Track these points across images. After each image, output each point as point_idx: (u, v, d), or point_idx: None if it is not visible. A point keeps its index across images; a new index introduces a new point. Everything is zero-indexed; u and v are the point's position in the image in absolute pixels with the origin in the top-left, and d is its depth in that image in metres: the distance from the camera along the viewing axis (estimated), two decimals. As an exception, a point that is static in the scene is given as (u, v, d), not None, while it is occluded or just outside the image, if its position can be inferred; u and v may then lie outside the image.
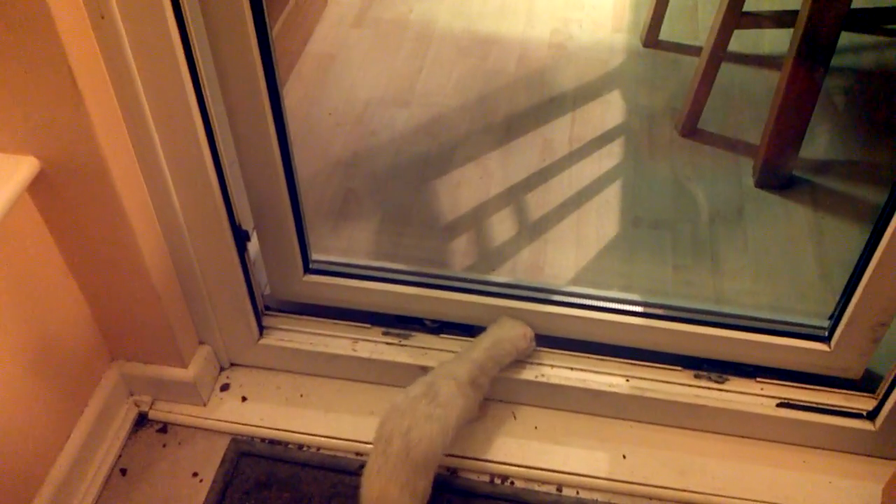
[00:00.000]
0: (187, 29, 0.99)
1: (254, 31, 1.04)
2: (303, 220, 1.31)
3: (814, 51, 1.57)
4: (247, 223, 1.29)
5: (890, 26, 2.09)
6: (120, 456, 1.32)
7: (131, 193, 1.09)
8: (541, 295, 1.36)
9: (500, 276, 1.56)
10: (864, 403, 1.29)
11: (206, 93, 1.07)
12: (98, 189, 1.05)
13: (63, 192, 1.05)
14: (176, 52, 0.99)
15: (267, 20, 1.05)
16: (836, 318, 1.25)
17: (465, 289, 1.36)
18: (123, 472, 1.31)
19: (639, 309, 1.33)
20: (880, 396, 1.27)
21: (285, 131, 1.18)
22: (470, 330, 1.38)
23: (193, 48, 1.02)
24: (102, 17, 0.92)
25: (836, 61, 1.99)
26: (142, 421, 1.37)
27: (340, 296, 1.38)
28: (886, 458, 1.29)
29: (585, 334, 1.35)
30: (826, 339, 1.27)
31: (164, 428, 1.36)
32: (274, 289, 1.40)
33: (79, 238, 1.12)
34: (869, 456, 1.30)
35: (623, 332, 1.33)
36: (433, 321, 1.39)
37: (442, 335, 1.38)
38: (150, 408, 1.37)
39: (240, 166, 1.21)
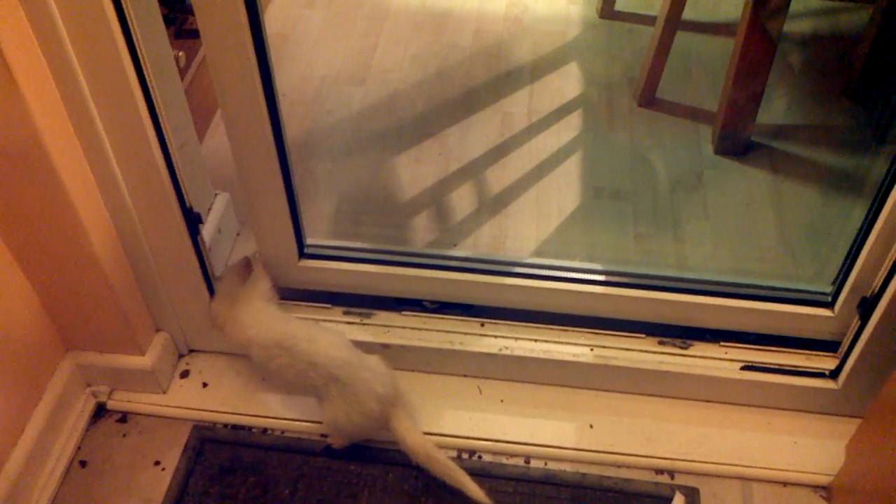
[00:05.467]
0: (123, 4, 0.96)
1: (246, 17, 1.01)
2: (297, 204, 1.28)
3: (766, 15, 1.57)
4: (199, 206, 1.26)
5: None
6: (79, 448, 1.29)
7: (75, 178, 1.05)
8: (503, 268, 1.35)
9: (465, 251, 1.55)
10: (827, 363, 1.30)
11: (148, 70, 1.04)
12: (39, 174, 1.01)
13: (2, 177, 1.02)
14: (112, 30, 0.95)
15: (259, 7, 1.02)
16: (839, 283, 1.25)
17: (458, 267, 1.35)
18: (83, 464, 1.28)
19: (601, 278, 1.33)
20: (842, 355, 1.27)
21: (278, 116, 1.15)
22: (469, 309, 1.37)
23: (131, 24, 0.98)
24: (32, -7, 0.89)
25: (790, 27, 2.01)
26: (100, 411, 1.34)
27: (337, 280, 1.35)
28: (849, 416, 1.30)
29: (549, 305, 1.34)
30: (830, 305, 1.27)
31: (123, 418, 1.34)
32: (269, 277, 1.37)
33: (22, 226, 1.09)
34: (832, 415, 1.31)
35: (586, 302, 1.33)
36: (432, 302, 1.37)
37: (404, 313, 1.37)
38: (109, 398, 1.34)
39: (233, 154, 1.18)
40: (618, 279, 1.33)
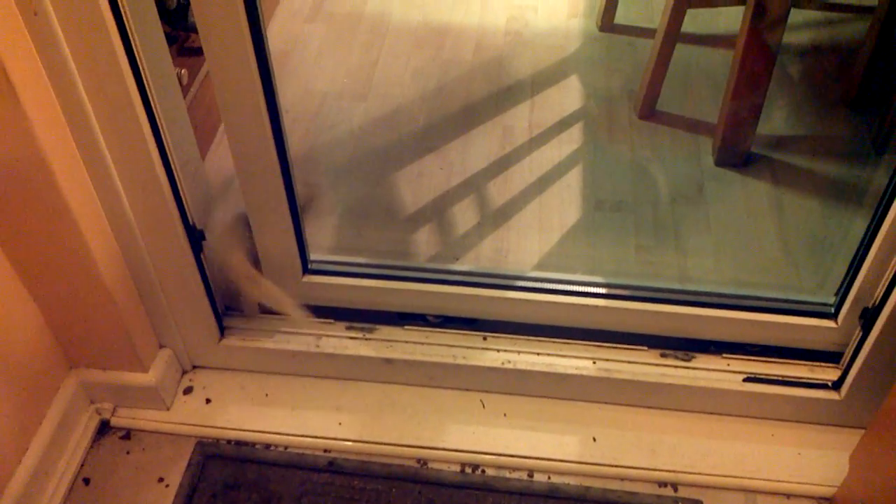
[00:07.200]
0: (126, 23, 0.97)
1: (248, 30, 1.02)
2: (300, 220, 1.28)
3: (765, 27, 1.57)
4: (202, 222, 1.26)
5: (836, 1, 2.12)
6: (83, 465, 1.30)
7: (78, 194, 1.06)
8: (505, 282, 1.35)
9: (467, 265, 1.55)
10: (829, 374, 1.30)
11: (150, 88, 1.05)
12: (42, 192, 1.02)
13: (5, 194, 1.03)
14: (115, 48, 0.96)
15: (261, 16, 1.03)
16: (842, 294, 1.25)
17: (460, 282, 1.35)
18: (87, 481, 1.28)
19: (603, 291, 1.33)
20: (844, 366, 1.27)
21: (282, 133, 1.16)
22: (472, 323, 1.37)
23: (134, 43, 0.99)
24: (35, 14, 0.90)
25: (789, 38, 2.02)
26: (104, 428, 1.34)
27: (341, 295, 1.36)
28: (853, 427, 1.30)
29: (551, 319, 1.34)
30: (833, 316, 1.27)
31: (127, 434, 1.34)
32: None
33: (25, 242, 1.09)
34: (836, 426, 1.31)
35: (588, 315, 1.33)
36: (435, 316, 1.38)
37: (407, 327, 1.37)
38: (113, 415, 1.35)
39: (236, 170, 1.18)
40: (620, 292, 1.33)
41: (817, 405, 1.29)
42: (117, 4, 0.95)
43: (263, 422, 1.33)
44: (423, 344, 1.35)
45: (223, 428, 1.33)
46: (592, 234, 1.62)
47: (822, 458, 1.27)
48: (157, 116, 1.08)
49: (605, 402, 1.35)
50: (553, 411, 1.34)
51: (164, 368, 1.33)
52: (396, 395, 1.36)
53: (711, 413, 1.33)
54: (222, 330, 1.37)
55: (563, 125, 1.86)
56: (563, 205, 1.67)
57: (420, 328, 1.37)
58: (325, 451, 1.30)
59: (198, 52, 1.63)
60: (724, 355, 1.33)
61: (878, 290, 1.17)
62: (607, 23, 2.11)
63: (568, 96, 1.93)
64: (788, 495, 1.25)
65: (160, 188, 1.12)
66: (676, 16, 1.75)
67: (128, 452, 1.32)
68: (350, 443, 1.30)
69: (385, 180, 1.74)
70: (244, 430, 1.33)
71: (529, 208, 1.67)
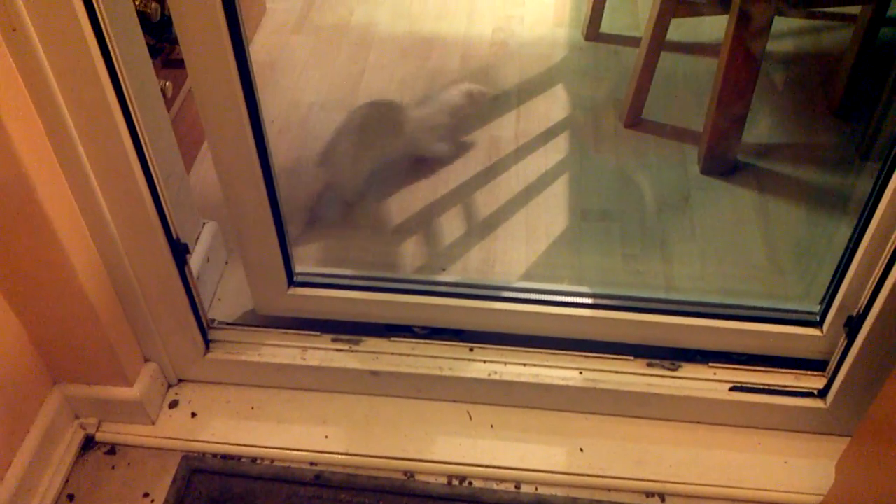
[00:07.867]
0: (106, 36, 0.97)
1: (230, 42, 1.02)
2: (285, 231, 1.28)
3: (749, 35, 1.58)
4: (186, 235, 1.26)
5: (819, 9, 2.14)
6: (67, 481, 1.29)
7: (60, 211, 1.05)
8: (492, 292, 1.35)
9: (454, 276, 1.55)
10: (815, 382, 1.30)
11: (132, 102, 1.04)
12: (24, 207, 1.01)
13: (-13, 213, 1.02)
14: (95, 62, 0.96)
15: (242, 30, 1.03)
16: (827, 302, 1.25)
17: (447, 293, 1.35)
18: (71, 497, 1.27)
19: (589, 301, 1.33)
20: (830, 374, 1.27)
21: (265, 145, 1.15)
22: (459, 334, 1.37)
23: (114, 55, 0.99)
24: (14, 30, 0.89)
25: (773, 47, 2.03)
26: (89, 444, 1.33)
27: (326, 308, 1.36)
28: (838, 435, 1.30)
29: (537, 329, 1.34)
30: (818, 324, 1.27)
31: (112, 449, 1.33)
32: (258, 305, 1.38)
33: (8, 258, 1.08)
34: (821, 434, 1.31)
35: (574, 325, 1.33)
36: (422, 328, 1.38)
37: (393, 339, 1.37)
38: (97, 430, 1.34)
39: (220, 184, 1.18)
40: (606, 302, 1.33)
41: (803, 413, 1.29)
42: (97, 18, 0.95)
43: (249, 435, 1.33)
44: (409, 356, 1.35)
45: (209, 442, 1.32)
46: (579, 243, 1.62)
47: (808, 467, 1.28)
48: (138, 130, 1.07)
49: (592, 413, 1.34)
50: (540, 422, 1.34)
51: (149, 382, 1.32)
52: (383, 408, 1.36)
53: (698, 422, 1.33)
54: (207, 343, 1.36)
55: (549, 134, 1.86)
56: (550, 214, 1.68)
57: (406, 340, 1.37)
58: (312, 464, 1.29)
59: (183, 64, 1.62)
60: (711, 364, 1.33)
61: (863, 298, 1.17)
62: (593, 32, 2.12)
63: (554, 106, 1.94)
64: (775, 504, 1.25)
65: (143, 202, 1.11)
66: (661, 25, 1.76)
67: (113, 467, 1.31)
68: (337, 456, 1.30)
69: (371, 191, 1.74)
70: (230, 444, 1.32)
71: (516, 218, 1.67)
